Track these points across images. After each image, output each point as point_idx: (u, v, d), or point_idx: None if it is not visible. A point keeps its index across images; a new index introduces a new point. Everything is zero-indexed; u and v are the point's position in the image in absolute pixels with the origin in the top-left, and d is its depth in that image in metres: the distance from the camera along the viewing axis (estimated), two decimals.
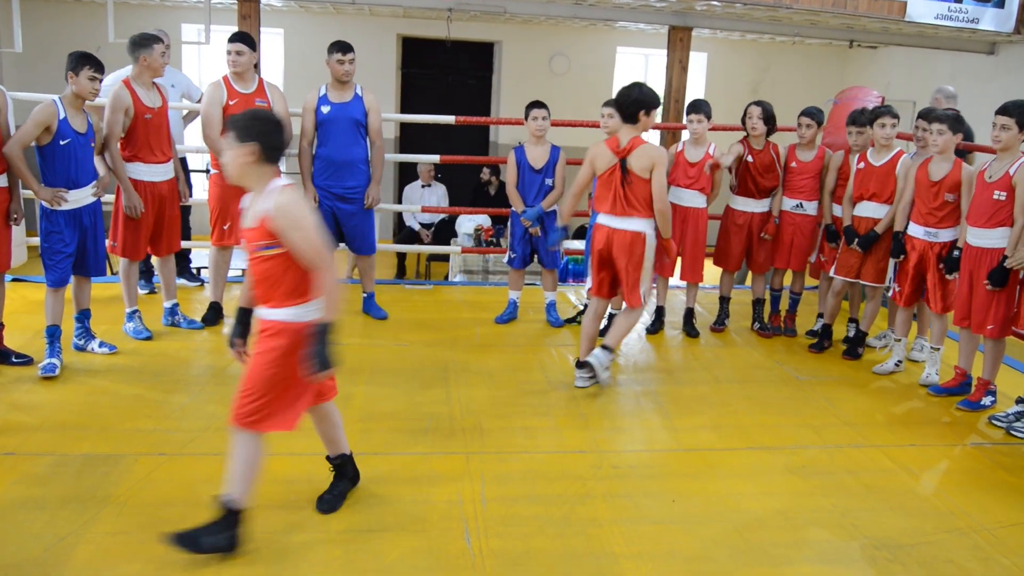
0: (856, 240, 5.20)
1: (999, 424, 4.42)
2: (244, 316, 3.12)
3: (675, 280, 5.98)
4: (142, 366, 4.71)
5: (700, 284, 5.87)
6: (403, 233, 9.66)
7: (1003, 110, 4.35)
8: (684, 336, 5.76)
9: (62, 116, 4.42)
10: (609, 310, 5.65)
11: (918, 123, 5.21)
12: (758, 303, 5.93)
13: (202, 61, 11.18)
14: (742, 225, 5.71)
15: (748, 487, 3.66)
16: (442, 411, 4.28)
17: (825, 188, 5.53)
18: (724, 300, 5.95)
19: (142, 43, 4.87)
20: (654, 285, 5.16)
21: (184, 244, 5.82)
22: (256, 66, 5.41)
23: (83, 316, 4.84)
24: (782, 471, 3.82)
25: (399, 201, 10.49)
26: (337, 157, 5.44)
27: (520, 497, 3.45)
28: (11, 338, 4.71)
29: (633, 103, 4.42)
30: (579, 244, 7.14)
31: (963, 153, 5.12)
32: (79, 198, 4.58)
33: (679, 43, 8.04)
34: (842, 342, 5.58)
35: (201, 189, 7.02)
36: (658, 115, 4.60)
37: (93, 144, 4.66)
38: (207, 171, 5.45)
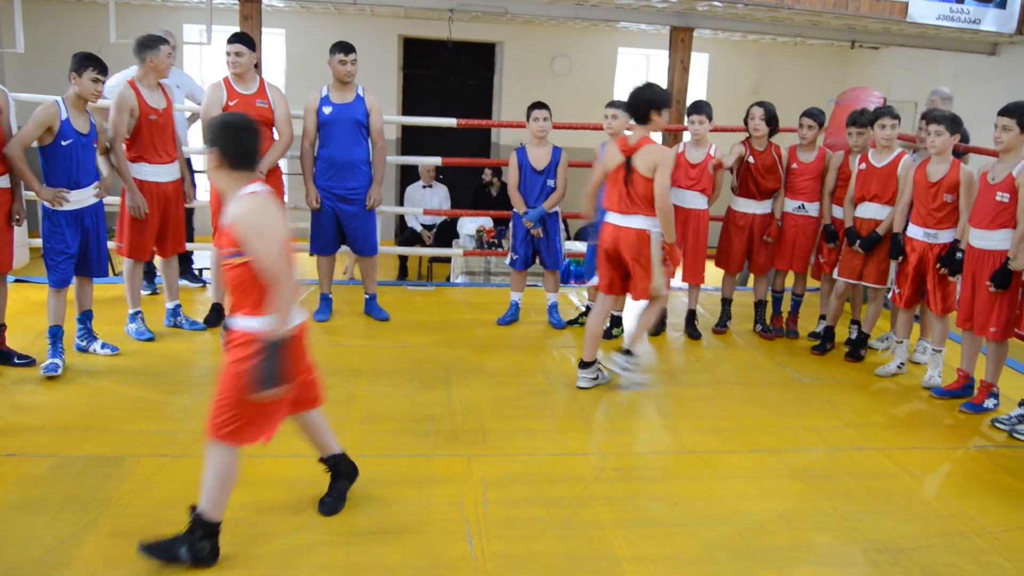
0: (858, 242, 5.19)
1: (1001, 427, 4.42)
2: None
3: (676, 281, 5.97)
4: (144, 367, 4.71)
5: (702, 286, 5.86)
6: (405, 234, 9.65)
7: (1004, 111, 4.35)
8: (686, 338, 5.76)
9: (64, 117, 4.42)
10: (612, 312, 5.68)
11: (921, 125, 5.21)
12: (760, 305, 5.92)
13: (204, 62, 11.19)
14: (743, 226, 5.71)
15: (750, 490, 3.65)
16: (443, 413, 4.28)
17: (825, 189, 5.53)
18: (726, 302, 5.95)
19: (148, 44, 4.88)
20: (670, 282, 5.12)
21: (187, 245, 5.82)
22: (257, 67, 5.40)
23: (85, 317, 4.84)
24: (784, 474, 3.82)
25: (401, 202, 10.48)
26: (339, 158, 5.43)
27: (522, 499, 3.45)
28: (13, 339, 4.71)
29: (645, 103, 4.46)
30: (580, 246, 7.13)
31: (958, 154, 5.11)
32: (81, 199, 4.58)
33: (681, 44, 8.03)
34: (844, 344, 5.58)
35: (204, 190, 7.03)
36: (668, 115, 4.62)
37: (95, 145, 4.66)
38: (192, 170, 5.44)
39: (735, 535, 3.27)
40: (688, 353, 5.49)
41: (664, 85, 8.09)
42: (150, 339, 5.07)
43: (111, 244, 5.07)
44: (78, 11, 10.53)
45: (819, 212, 5.60)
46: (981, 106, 4.59)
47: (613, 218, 4.57)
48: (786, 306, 5.97)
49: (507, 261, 5.88)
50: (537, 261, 5.77)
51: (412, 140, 11.64)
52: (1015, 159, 4.35)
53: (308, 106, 5.46)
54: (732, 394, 4.78)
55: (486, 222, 8.40)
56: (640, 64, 12.47)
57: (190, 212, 5.33)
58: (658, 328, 5.78)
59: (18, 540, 2.99)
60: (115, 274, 6.53)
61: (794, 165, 5.59)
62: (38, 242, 5.06)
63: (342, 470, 3.35)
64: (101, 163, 4.83)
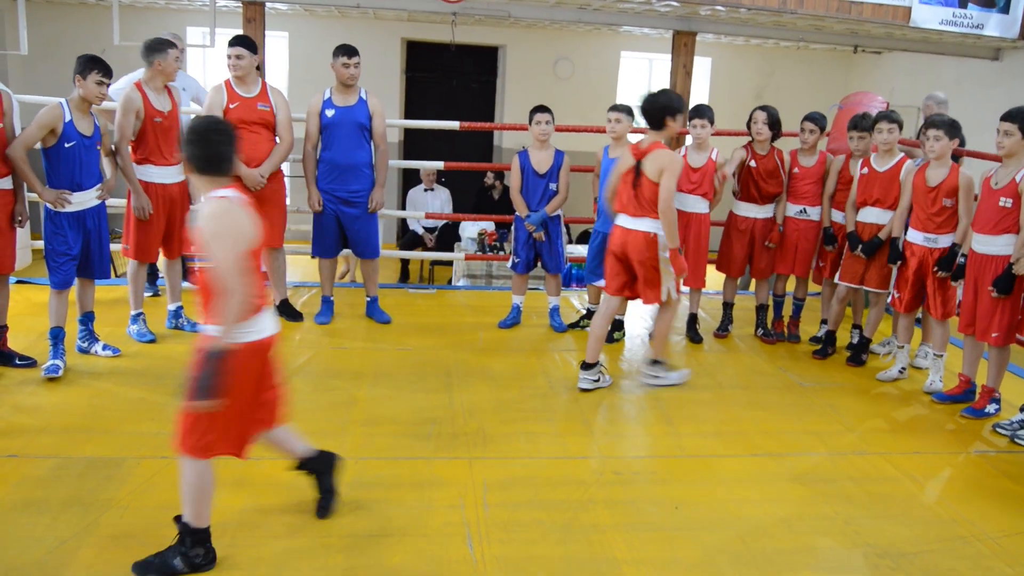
0: (860, 246, 5.19)
1: (1003, 432, 4.41)
2: None
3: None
4: (145, 369, 4.71)
5: (703, 290, 5.86)
6: (407, 237, 9.66)
7: (1007, 116, 4.35)
8: (688, 342, 5.75)
9: (68, 119, 4.43)
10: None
11: (923, 130, 5.20)
12: (761, 309, 5.92)
13: (207, 64, 11.20)
14: (744, 230, 5.71)
15: (751, 494, 3.65)
16: (445, 416, 4.27)
17: (825, 193, 5.53)
18: (727, 306, 5.95)
19: (157, 48, 4.89)
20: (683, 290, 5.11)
21: None
22: (259, 69, 5.41)
23: (87, 319, 4.85)
24: (785, 478, 3.81)
25: (403, 205, 10.49)
26: (341, 161, 5.44)
27: (522, 502, 3.44)
28: (15, 340, 4.71)
29: (661, 109, 4.52)
30: (582, 250, 7.14)
31: (955, 158, 5.10)
32: (83, 200, 4.58)
33: (683, 48, 8.03)
34: (846, 348, 5.57)
35: None
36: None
37: (99, 147, 4.67)
38: None
39: (736, 539, 3.27)
40: (690, 357, 5.48)
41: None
42: (151, 341, 5.08)
43: (117, 246, 5.08)
44: (82, 13, 10.55)
45: (821, 216, 5.59)
46: (984, 111, 4.59)
47: (623, 221, 4.62)
48: (787, 310, 5.96)
49: (509, 264, 5.89)
50: (539, 264, 5.77)
51: (414, 143, 11.66)
52: (1018, 164, 4.35)
53: (311, 109, 5.47)
54: (733, 398, 4.78)
55: (488, 225, 8.40)
56: (643, 68, 12.48)
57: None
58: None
59: (19, 541, 2.99)
60: (117, 276, 6.54)
61: (795, 169, 5.59)
62: (40, 243, 5.07)
63: (321, 466, 3.26)
64: (106, 164, 4.85)
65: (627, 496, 3.56)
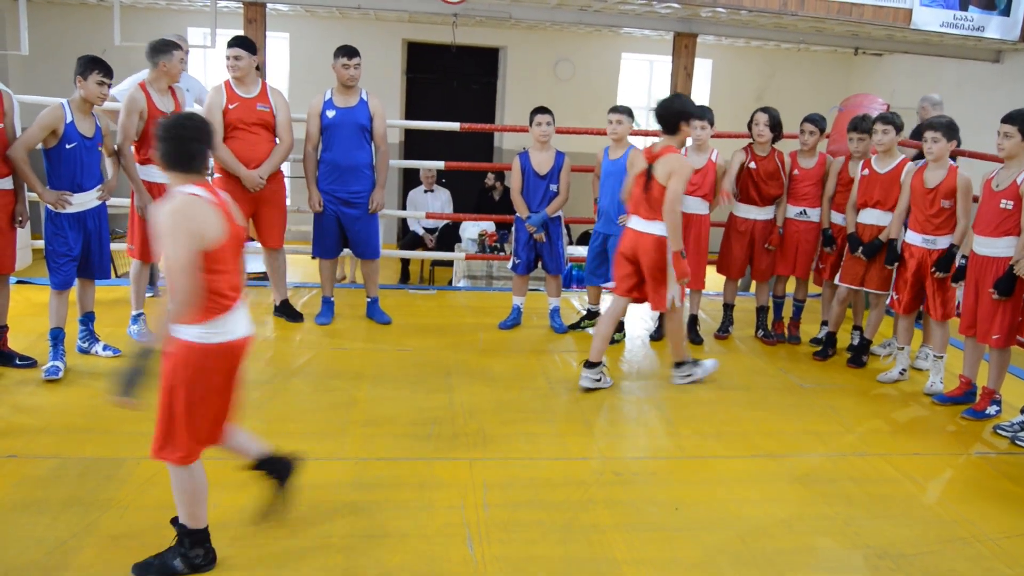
0: (860, 248, 5.19)
1: (1004, 434, 4.41)
2: None
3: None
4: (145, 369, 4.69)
5: (704, 291, 5.86)
6: (407, 237, 9.66)
7: (1007, 119, 4.35)
8: (688, 343, 5.74)
9: (69, 120, 4.43)
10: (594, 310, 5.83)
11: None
12: (762, 310, 5.92)
13: (208, 65, 11.21)
14: (744, 232, 5.71)
15: (751, 495, 3.65)
16: (445, 416, 4.27)
17: (825, 194, 5.53)
18: (728, 307, 5.95)
19: (162, 49, 4.90)
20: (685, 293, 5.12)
21: None
22: (259, 70, 5.41)
23: (87, 319, 4.85)
24: (785, 479, 3.81)
25: (404, 206, 10.49)
26: (342, 162, 5.44)
27: (522, 503, 3.44)
28: (15, 340, 4.71)
29: (676, 114, 4.59)
30: (582, 251, 7.13)
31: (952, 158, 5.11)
32: (84, 201, 4.58)
33: (684, 49, 8.03)
34: (846, 350, 5.57)
35: None
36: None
37: (100, 148, 4.68)
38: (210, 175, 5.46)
39: (736, 539, 3.27)
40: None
41: (667, 91, 8.12)
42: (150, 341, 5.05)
43: (118, 246, 5.08)
44: (83, 14, 10.56)
45: (820, 218, 5.60)
46: (985, 113, 4.60)
47: (634, 223, 4.68)
48: (788, 311, 5.96)
49: (509, 265, 5.89)
50: (539, 266, 5.77)
51: (415, 144, 11.66)
52: (1019, 166, 4.35)
53: (311, 110, 5.47)
54: (734, 399, 4.78)
55: (488, 226, 8.40)
56: (643, 70, 12.48)
57: None
58: (660, 333, 5.77)
59: (19, 541, 2.99)
60: (117, 276, 6.54)
61: (795, 171, 5.60)
62: (40, 243, 5.07)
63: (276, 467, 3.10)
64: (107, 165, 4.85)
65: (627, 496, 3.56)
